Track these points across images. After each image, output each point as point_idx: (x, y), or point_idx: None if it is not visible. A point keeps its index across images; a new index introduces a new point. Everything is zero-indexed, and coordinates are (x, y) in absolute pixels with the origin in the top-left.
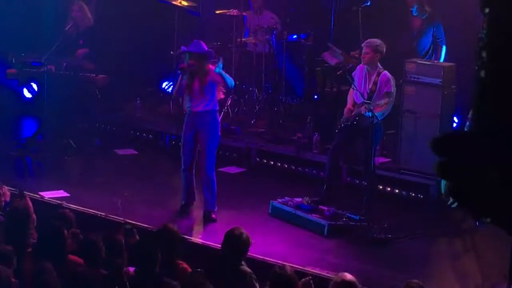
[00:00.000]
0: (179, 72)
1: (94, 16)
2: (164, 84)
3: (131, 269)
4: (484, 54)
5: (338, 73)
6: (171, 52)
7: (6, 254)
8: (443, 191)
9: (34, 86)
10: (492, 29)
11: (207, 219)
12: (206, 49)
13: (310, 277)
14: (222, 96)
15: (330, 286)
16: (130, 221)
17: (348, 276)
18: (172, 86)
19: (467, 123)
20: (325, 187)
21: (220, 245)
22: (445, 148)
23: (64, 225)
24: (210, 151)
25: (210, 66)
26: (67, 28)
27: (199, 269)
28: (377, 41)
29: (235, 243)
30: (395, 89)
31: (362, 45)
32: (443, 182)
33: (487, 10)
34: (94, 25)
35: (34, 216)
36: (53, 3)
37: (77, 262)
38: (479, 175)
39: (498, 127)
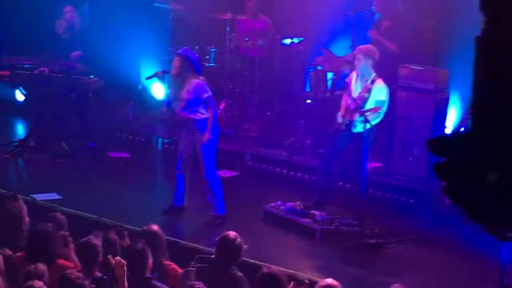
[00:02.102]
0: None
1: (88, 19)
2: (151, 88)
3: None
4: (481, 55)
5: (331, 78)
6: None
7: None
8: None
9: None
10: (491, 28)
11: (211, 224)
12: (188, 53)
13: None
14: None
15: None
16: (121, 224)
17: (331, 281)
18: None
19: (466, 125)
20: (317, 191)
21: (212, 249)
22: (442, 149)
23: (55, 227)
24: (206, 155)
25: (196, 80)
26: (62, 31)
27: (191, 268)
28: (369, 47)
29: (228, 248)
30: (388, 97)
31: (354, 52)
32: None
33: (485, 8)
34: (88, 28)
35: (27, 218)
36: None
37: (66, 265)
38: (476, 176)
39: (497, 127)
